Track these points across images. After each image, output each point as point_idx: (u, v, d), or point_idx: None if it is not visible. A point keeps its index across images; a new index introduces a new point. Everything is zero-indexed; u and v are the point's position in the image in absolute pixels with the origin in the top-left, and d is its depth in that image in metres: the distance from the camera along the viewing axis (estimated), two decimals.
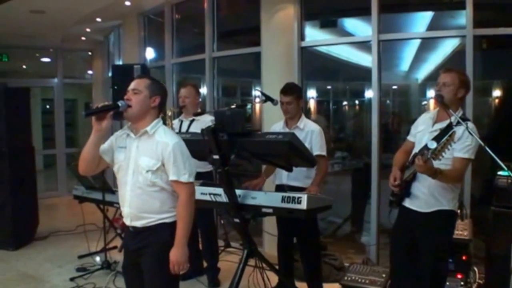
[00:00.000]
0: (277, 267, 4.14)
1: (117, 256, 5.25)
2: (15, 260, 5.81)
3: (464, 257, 4.01)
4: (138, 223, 2.79)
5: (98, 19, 8.08)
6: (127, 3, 7.19)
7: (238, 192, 3.55)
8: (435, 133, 3.23)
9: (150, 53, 8.22)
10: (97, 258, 5.56)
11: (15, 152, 6.34)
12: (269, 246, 5.22)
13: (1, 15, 6.94)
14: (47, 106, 11.59)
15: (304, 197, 3.31)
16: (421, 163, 2.89)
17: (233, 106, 3.70)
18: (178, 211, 2.76)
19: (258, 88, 6.18)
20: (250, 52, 6.42)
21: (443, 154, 2.84)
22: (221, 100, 7.16)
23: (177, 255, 2.71)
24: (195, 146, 3.21)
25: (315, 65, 6.49)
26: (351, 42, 5.98)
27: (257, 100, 7.02)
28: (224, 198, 3.55)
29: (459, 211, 3.87)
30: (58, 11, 7.08)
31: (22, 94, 6.82)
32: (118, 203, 4.74)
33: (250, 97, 8.60)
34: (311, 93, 7.40)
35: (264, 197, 3.49)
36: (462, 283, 4.00)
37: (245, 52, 6.61)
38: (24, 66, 10.82)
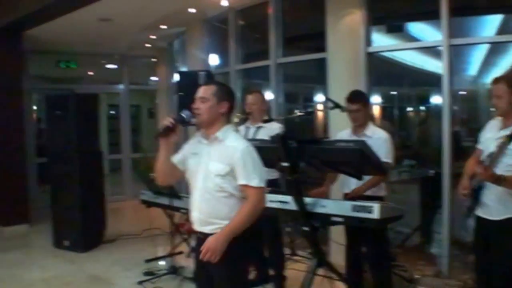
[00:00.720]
0: None
1: (183, 262, 5.30)
2: (84, 262, 5.98)
3: None
4: (207, 229, 2.79)
5: (163, 26, 8.21)
6: (192, 10, 7.27)
7: (307, 200, 3.49)
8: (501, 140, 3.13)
9: (214, 60, 8.26)
10: (163, 263, 5.63)
11: (84, 157, 6.54)
12: (336, 256, 5.12)
13: (70, 24, 7.18)
14: (112, 112, 11.90)
15: (375, 206, 3.21)
16: (481, 171, 2.90)
17: (300, 113, 3.67)
18: (241, 207, 2.73)
19: (321, 94, 6.12)
20: (314, 58, 6.35)
21: (500, 159, 2.86)
22: (284, 106, 7.11)
23: (216, 241, 2.65)
24: (263, 153, 3.18)
25: (380, 70, 6.36)
26: (420, 47, 5.82)
27: (321, 106, 6.96)
28: (292, 206, 3.49)
29: None
30: (125, 19, 7.27)
31: (91, 100, 7.05)
32: (184, 209, 4.82)
33: (312, 103, 8.53)
34: (376, 99, 7.27)
35: (333, 206, 3.42)
36: None
37: (311, 58, 6.52)
38: (90, 73, 11.12)
